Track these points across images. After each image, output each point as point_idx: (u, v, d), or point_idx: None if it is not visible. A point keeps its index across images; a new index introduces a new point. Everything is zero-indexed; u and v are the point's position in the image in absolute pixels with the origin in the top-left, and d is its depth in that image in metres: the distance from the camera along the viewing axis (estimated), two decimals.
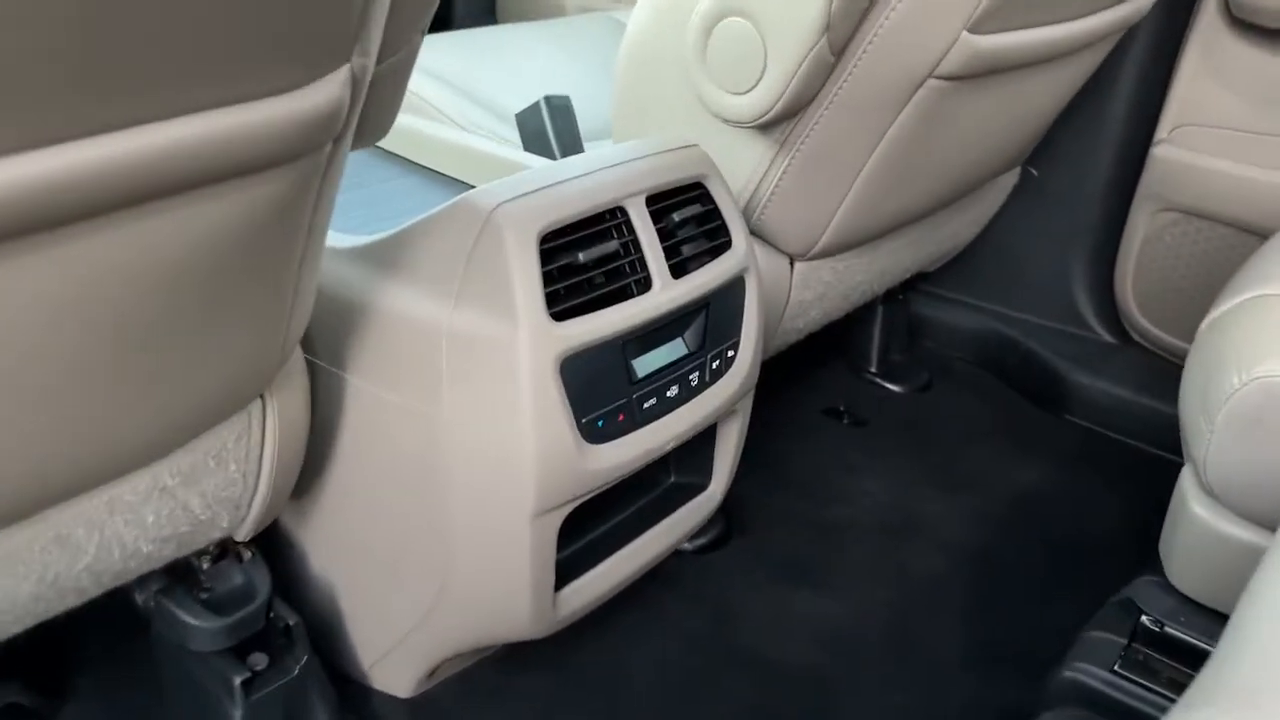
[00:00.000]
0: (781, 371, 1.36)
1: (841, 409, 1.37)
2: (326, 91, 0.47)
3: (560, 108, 1.04)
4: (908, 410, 1.39)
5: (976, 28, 0.81)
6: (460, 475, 0.71)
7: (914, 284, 1.50)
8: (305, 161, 0.49)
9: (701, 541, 1.09)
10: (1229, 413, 0.70)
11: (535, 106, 1.03)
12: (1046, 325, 1.43)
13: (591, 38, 1.44)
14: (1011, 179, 1.32)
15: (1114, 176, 1.34)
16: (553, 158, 1.00)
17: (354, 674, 0.88)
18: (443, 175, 1.00)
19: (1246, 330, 0.73)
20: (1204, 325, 0.80)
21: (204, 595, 0.78)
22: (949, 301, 1.50)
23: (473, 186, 0.74)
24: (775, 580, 1.06)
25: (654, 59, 0.90)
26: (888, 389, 1.43)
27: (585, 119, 1.07)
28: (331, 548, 0.84)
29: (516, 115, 1.04)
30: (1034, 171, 1.33)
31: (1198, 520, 0.75)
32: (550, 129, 1.02)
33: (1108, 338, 1.41)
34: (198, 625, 0.75)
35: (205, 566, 0.78)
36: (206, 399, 0.58)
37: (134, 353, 0.49)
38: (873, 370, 1.46)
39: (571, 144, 1.02)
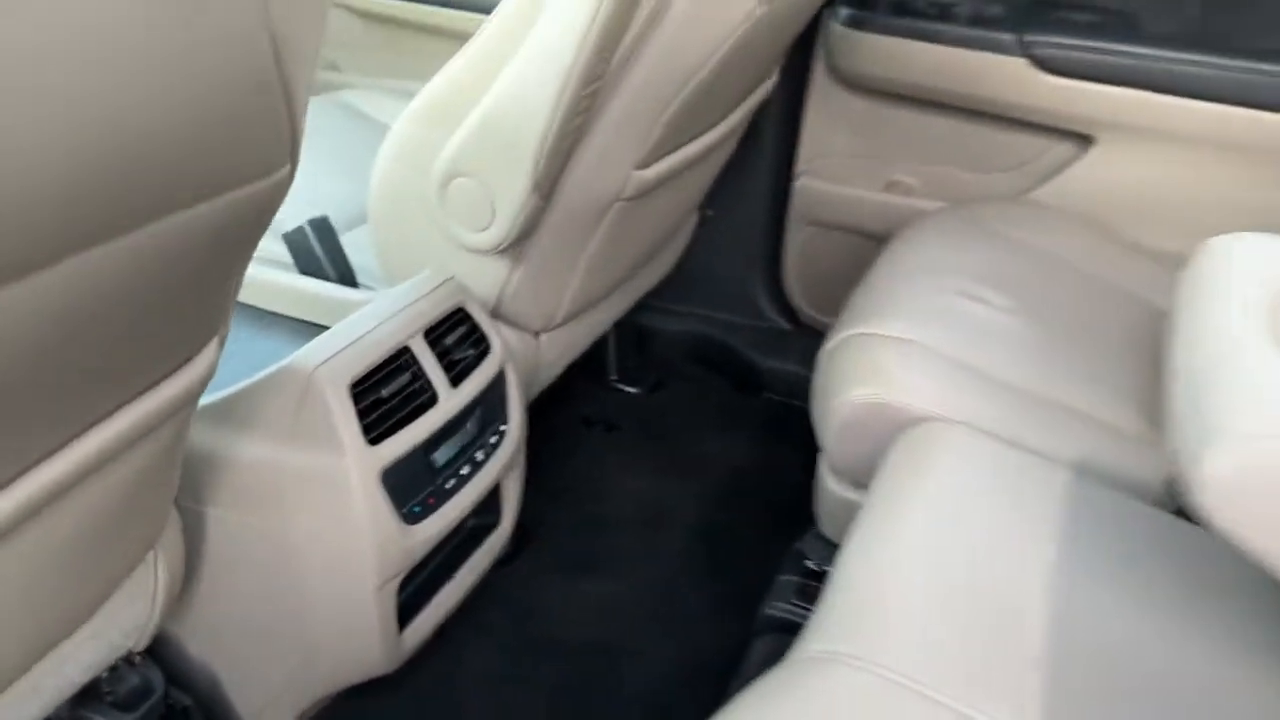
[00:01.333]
0: (543, 394, 1.63)
1: (594, 419, 1.67)
2: (202, 362, 0.68)
3: (323, 228, 1.24)
4: (645, 410, 1.72)
5: (642, 165, 1.11)
6: (312, 571, 0.93)
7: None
8: (180, 417, 0.70)
9: (499, 557, 1.36)
10: (837, 421, 1.06)
11: (301, 231, 1.23)
12: (738, 322, 1.80)
13: (326, 123, 1.61)
14: (693, 219, 1.65)
15: (771, 204, 1.71)
16: (327, 277, 1.21)
17: None
18: (243, 305, 1.18)
19: (846, 363, 1.09)
20: (821, 353, 1.16)
21: (109, 699, 0.95)
22: (665, 312, 1.83)
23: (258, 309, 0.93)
24: (563, 575, 1.36)
25: (403, 200, 1.12)
26: (627, 392, 1.75)
27: (337, 209, 1.27)
28: (206, 636, 1.03)
29: (284, 237, 1.23)
30: (709, 212, 1.67)
31: (830, 488, 1.11)
32: (320, 252, 1.22)
33: (785, 325, 1.80)
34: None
35: (105, 674, 0.95)
36: (130, 565, 0.78)
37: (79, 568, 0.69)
38: (613, 378, 1.77)
39: (340, 261, 1.23)
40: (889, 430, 1.00)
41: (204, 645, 1.04)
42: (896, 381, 1.03)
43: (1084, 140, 1.48)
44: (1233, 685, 0.72)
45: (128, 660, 0.96)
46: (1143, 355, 1.09)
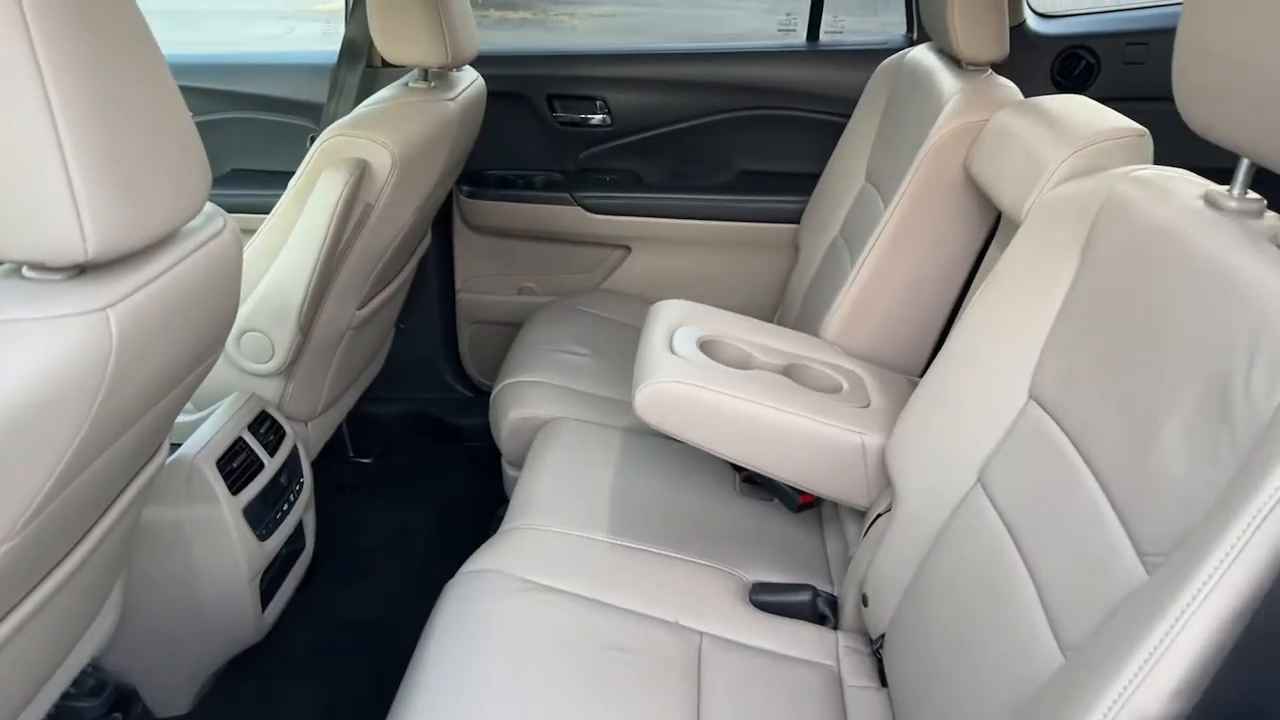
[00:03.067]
0: None
1: (344, 484, 2.33)
2: (160, 455, 1.32)
3: None
4: (379, 471, 2.40)
5: (360, 306, 1.84)
6: (207, 581, 1.54)
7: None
8: (146, 494, 1.33)
9: (307, 570, 1.98)
10: (505, 433, 1.84)
11: None
12: (436, 398, 2.53)
13: None
14: (392, 332, 2.38)
15: (443, 314, 2.48)
16: None
17: (155, 713, 1.63)
18: None
19: (505, 400, 1.88)
20: (492, 398, 1.94)
21: (74, 693, 1.49)
22: (383, 400, 2.50)
23: None
24: (351, 577, 2.00)
25: None
26: (363, 463, 2.43)
27: None
28: (126, 651, 1.58)
29: None
30: (402, 326, 2.41)
31: (509, 473, 1.88)
32: None
33: (468, 393, 2.56)
34: (89, 705, 1.48)
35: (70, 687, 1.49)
36: (105, 600, 1.37)
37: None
38: (351, 454, 2.43)
39: None
40: (533, 430, 1.80)
41: (124, 662, 1.59)
42: (532, 404, 1.85)
43: (626, 249, 2.41)
44: (693, 499, 1.59)
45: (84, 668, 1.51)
46: None
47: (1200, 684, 0.71)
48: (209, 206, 1.05)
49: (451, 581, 1.37)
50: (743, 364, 1.57)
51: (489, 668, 1.19)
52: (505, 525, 1.51)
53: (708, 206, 2.32)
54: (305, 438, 1.90)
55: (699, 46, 2.40)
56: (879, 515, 1.39)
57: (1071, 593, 0.93)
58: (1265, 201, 0.94)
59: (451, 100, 1.83)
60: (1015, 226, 1.31)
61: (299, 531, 1.81)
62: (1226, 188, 0.96)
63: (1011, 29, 1.76)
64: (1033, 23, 2.26)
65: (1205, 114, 0.92)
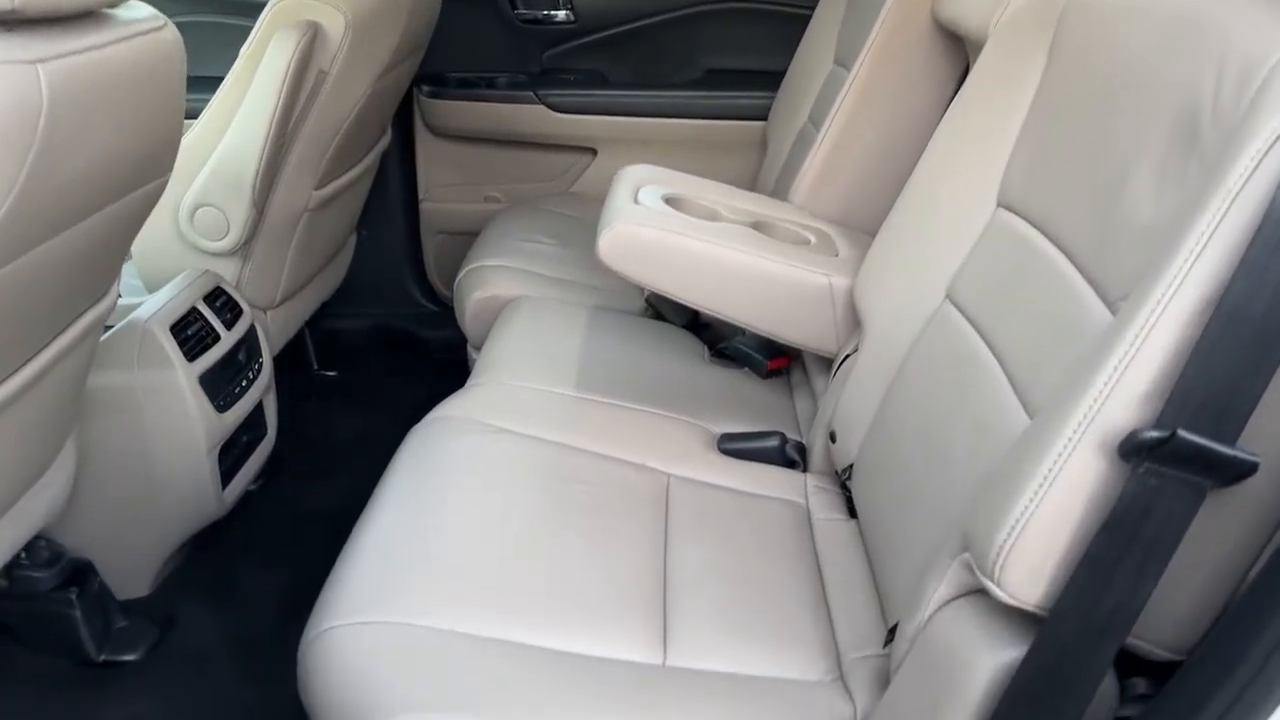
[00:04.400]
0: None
1: (310, 395, 2.28)
2: (110, 296, 1.27)
3: None
4: (345, 384, 2.36)
5: (319, 186, 1.80)
6: (161, 451, 1.50)
7: (321, 308, 2.43)
8: (95, 335, 1.28)
9: (267, 463, 1.94)
10: (470, 315, 1.81)
11: None
12: (401, 311, 2.49)
13: None
14: (353, 238, 2.33)
15: (407, 224, 2.44)
16: None
17: (115, 593, 1.58)
18: None
19: (470, 283, 1.85)
20: (456, 284, 1.90)
21: (28, 566, 1.44)
22: (347, 315, 2.46)
23: None
24: (316, 478, 1.96)
25: (161, 236, 1.71)
26: (329, 376, 2.38)
27: None
28: (82, 529, 1.53)
29: None
30: (364, 231, 2.36)
31: (471, 355, 1.85)
32: None
33: (433, 307, 2.52)
34: (44, 575, 1.43)
35: (22, 552, 1.44)
36: (59, 449, 1.32)
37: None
38: (316, 369, 2.39)
39: None
40: (497, 310, 1.77)
41: (80, 537, 1.54)
42: (496, 285, 1.81)
43: (592, 152, 2.38)
44: (661, 365, 1.57)
45: (37, 537, 1.46)
46: None
47: (1168, 385, 0.70)
48: (151, 9, 1.02)
49: (414, 428, 1.34)
50: (710, 219, 1.55)
51: (451, 496, 1.16)
52: (469, 383, 1.48)
53: (674, 104, 2.29)
54: (265, 326, 1.85)
55: None
56: (846, 357, 1.37)
57: (1037, 358, 0.92)
58: None
59: None
60: None
61: (260, 416, 1.77)
62: None
63: None
64: None
65: None
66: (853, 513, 1.29)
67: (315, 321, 2.39)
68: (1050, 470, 0.75)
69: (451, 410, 1.36)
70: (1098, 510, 0.73)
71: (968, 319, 1.10)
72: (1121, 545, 0.72)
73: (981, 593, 0.87)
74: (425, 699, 0.86)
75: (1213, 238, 0.68)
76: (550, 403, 1.41)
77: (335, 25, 1.61)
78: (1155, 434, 0.68)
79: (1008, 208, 1.11)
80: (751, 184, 2.22)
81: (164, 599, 1.63)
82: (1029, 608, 0.78)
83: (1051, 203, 1.01)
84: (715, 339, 1.72)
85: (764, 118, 2.22)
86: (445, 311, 2.51)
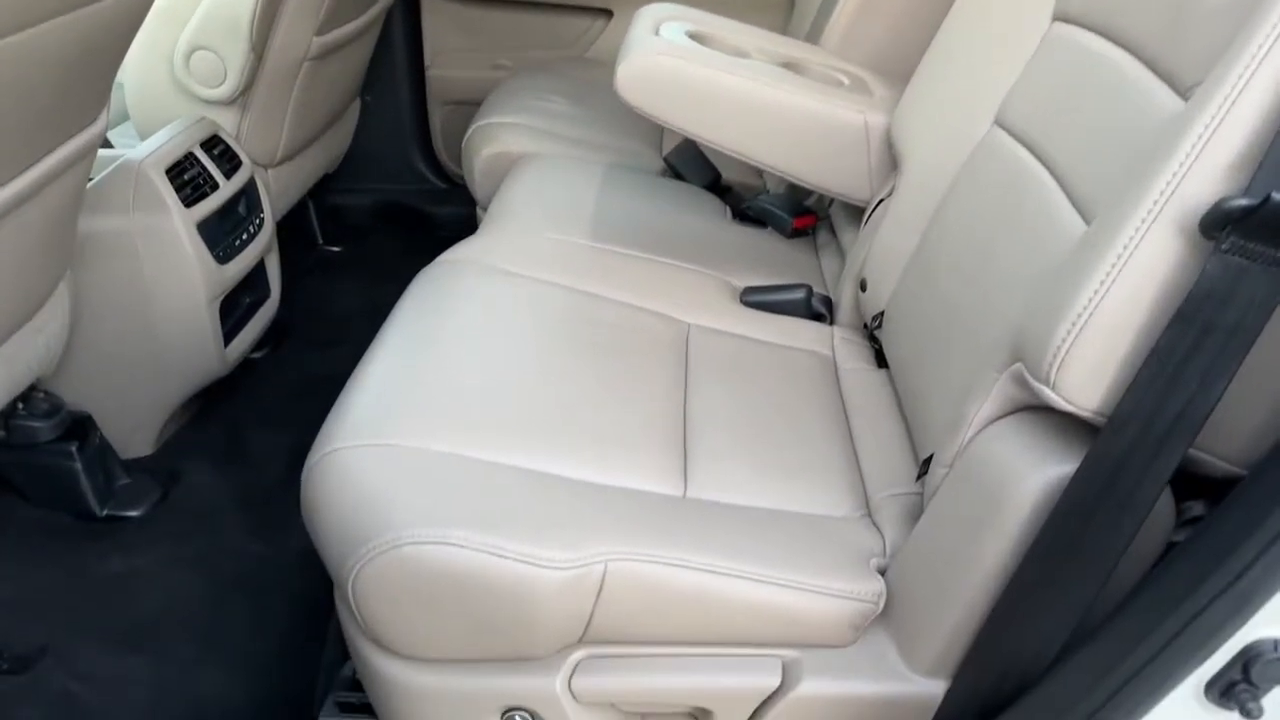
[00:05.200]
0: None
1: (314, 269, 2.22)
2: (99, 124, 1.19)
3: None
4: (349, 259, 2.29)
5: (320, 33, 1.70)
6: (158, 301, 1.44)
7: (325, 183, 2.36)
8: (84, 163, 1.21)
9: (268, 329, 1.89)
10: (479, 172, 1.73)
11: None
12: (408, 188, 2.41)
13: None
14: (356, 106, 2.24)
15: (413, 94, 2.33)
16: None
17: (118, 452, 1.55)
18: None
19: (480, 138, 1.76)
20: (465, 141, 1.82)
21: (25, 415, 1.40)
22: (351, 191, 2.38)
23: None
24: (318, 347, 1.91)
25: (155, 83, 1.63)
26: (333, 250, 2.31)
27: None
28: (79, 384, 1.48)
29: None
30: (368, 98, 2.27)
31: (479, 214, 1.78)
32: None
33: (441, 185, 2.43)
34: (42, 426, 1.39)
35: (20, 403, 1.40)
36: (52, 285, 1.26)
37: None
38: (321, 243, 2.32)
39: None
40: (508, 167, 1.69)
41: (79, 390, 1.50)
42: (507, 142, 1.73)
43: (607, 14, 2.26)
44: (681, 221, 1.49)
45: (34, 389, 1.42)
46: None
47: (1259, 152, 0.63)
48: None
49: (421, 271, 1.28)
50: (737, 55, 1.45)
51: (462, 332, 1.10)
52: (479, 232, 1.41)
53: None
54: (266, 184, 1.78)
55: None
56: (880, 201, 1.29)
57: (1098, 163, 0.84)
58: None
59: None
60: None
61: (262, 276, 1.71)
62: None
63: None
64: None
65: None
66: (880, 364, 1.23)
67: (319, 196, 2.31)
68: (1119, 258, 0.68)
69: (461, 254, 1.29)
70: (1170, 299, 0.67)
71: (1017, 138, 1.02)
72: (1195, 337, 0.65)
73: (1029, 410, 0.81)
74: (436, 514, 0.81)
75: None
76: (565, 250, 1.34)
77: None
78: (1245, 201, 0.61)
79: (1064, 19, 1.02)
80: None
81: (168, 458, 1.59)
82: (1087, 414, 0.72)
83: (1112, 3, 0.92)
84: (737, 201, 1.64)
85: None
86: (453, 188, 2.43)
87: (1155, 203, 0.66)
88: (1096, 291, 0.69)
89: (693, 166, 1.69)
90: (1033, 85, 1.04)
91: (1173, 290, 0.67)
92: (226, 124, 1.67)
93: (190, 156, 1.49)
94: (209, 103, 1.63)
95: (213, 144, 1.56)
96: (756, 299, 1.33)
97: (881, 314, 1.20)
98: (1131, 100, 0.83)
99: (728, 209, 1.62)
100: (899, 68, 1.54)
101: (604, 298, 1.24)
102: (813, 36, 1.70)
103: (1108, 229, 0.70)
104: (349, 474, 0.88)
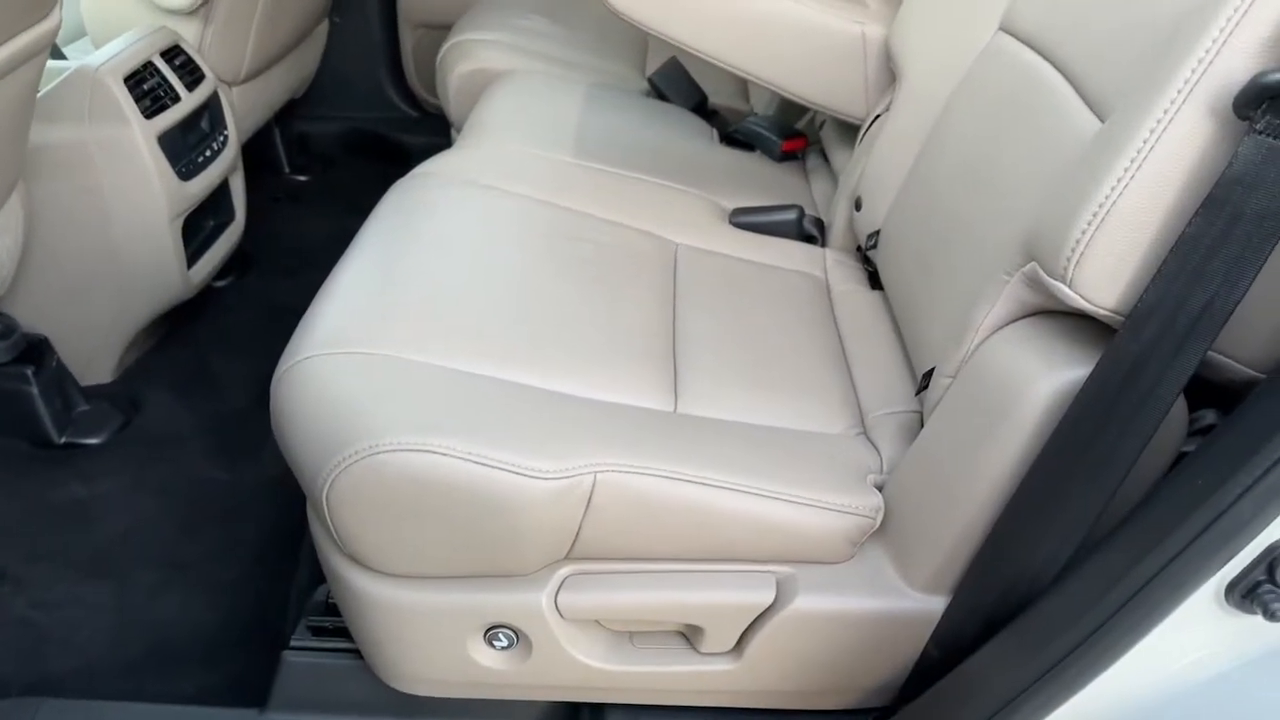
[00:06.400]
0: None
1: (279, 196, 2.14)
2: (53, 18, 1.11)
3: None
4: (317, 187, 2.21)
5: None
6: (118, 216, 1.37)
7: (291, 109, 2.26)
8: (38, 61, 1.13)
9: (234, 253, 1.82)
10: (454, 89, 1.66)
11: None
12: (378, 116, 2.32)
13: None
14: (324, 28, 2.14)
15: (383, 14, 2.24)
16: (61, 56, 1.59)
17: (77, 379, 1.48)
18: None
19: (455, 55, 1.69)
20: (439, 59, 1.74)
21: None
22: (319, 118, 2.29)
23: None
24: (284, 275, 1.84)
25: None
26: (300, 180, 2.23)
27: None
28: (36, 305, 1.41)
29: None
30: (336, 19, 2.17)
31: (453, 137, 1.72)
32: None
33: (413, 113, 2.35)
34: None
35: None
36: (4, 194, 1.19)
37: None
38: (287, 171, 2.23)
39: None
40: (483, 85, 1.62)
41: (35, 313, 1.43)
42: (484, 59, 1.66)
43: None
44: (667, 141, 1.43)
45: None
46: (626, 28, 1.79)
47: None
48: None
49: (395, 183, 1.22)
50: None
51: (440, 242, 1.04)
52: (455, 146, 1.35)
53: None
54: (230, 101, 1.70)
55: None
56: (876, 117, 1.25)
57: (1115, 60, 0.79)
58: None
59: None
60: None
61: (227, 198, 1.64)
62: None
63: None
64: None
65: None
66: (875, 286, 1.19)
67: (285, 123, 2.22)
68: (1145, 144, 0.64)
69: (437, 167, 1.23)
70: (1198, 186, 0.63)
71: (1028, 45, 0.97)
72: (1224, 225, 0.62)
73: (1040, 315, 0.78)
74: (417, 420, 0.77)
75: None
76: (546, 166, 1.28)
77: None
78: None
79: None
80: None
81: (129, 385, 1.53)
82: (1105, 312, 0.69)
83: None
84: (724, 125, 1.59)
85: None
86: (426, 117, 2.35)
87: (1187, 81, 0.62)
88: (1120, 180, 0.65)
89: (678, 88, 1.63)
90: None
91: (1201, 176, 0.63)
92: (188, 35, 1.58)
93: (150, 66, 1.41)
94: (169, 11, 1.54)
95: (173, 54, 1.48)
96: (746, 220, 1.28)
97: (877, 233, 1.16)
98: None
99: (714, 132, 1.57)
100: None
101: (588, 214, 1.19)
102: None
103: (1131, 117, 0.66)
104: (322, 381, 0.83)
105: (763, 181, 1.41)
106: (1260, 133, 0.59)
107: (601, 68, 1.70)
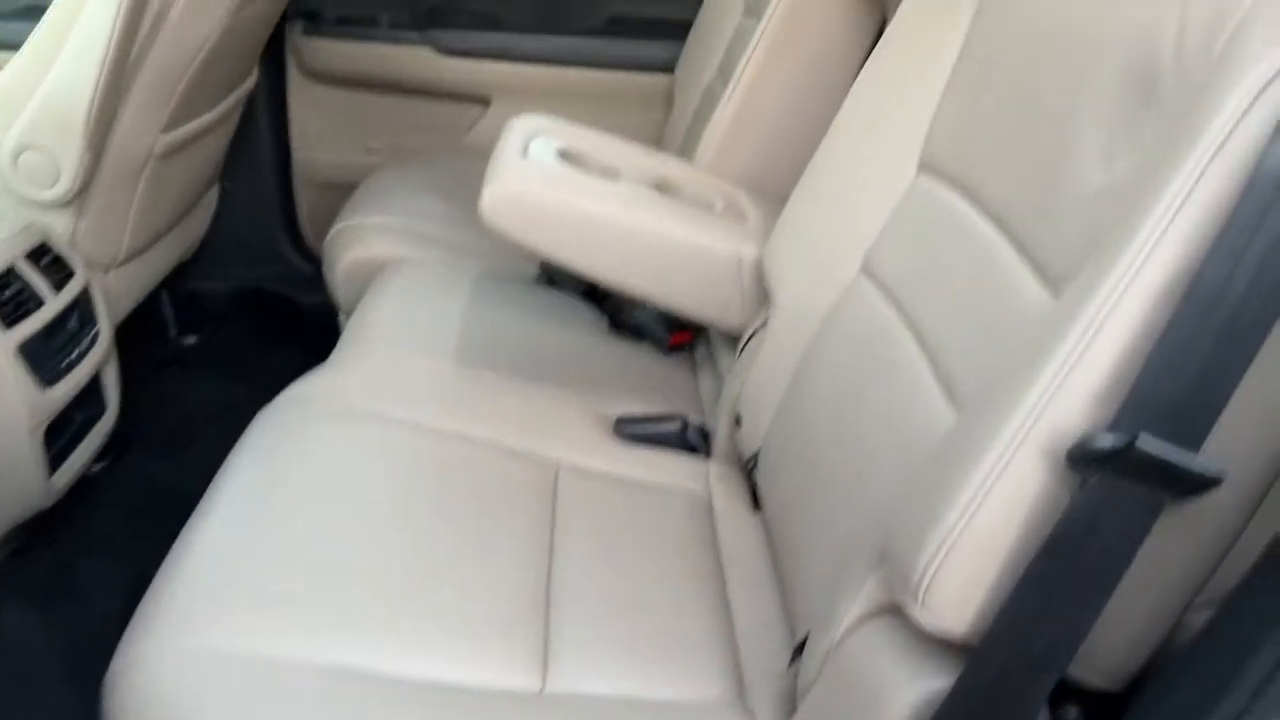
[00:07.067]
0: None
1: (165, 363, 2.06)
2: None
3: None
4: (206, 352, 2.14)
5: (166, 129, 1.58)
6: None
7: (180, 269, 2.20)
8: None
9: (108, 441, 1.73)
10: (341, 277, 1.63)
11: None
12: (273, 273, 2.27)
13: None
14: (215, 191, 2.11)
15: (278, 176, 2.22)
16: None
17: None
18: None
19: (342, 241, 1.66)
20: (326, 242, 1.72)
21: None
22: (212, 276, 2.22)
23: None
24: (161, 456, 1.77)
25: None
26: (188, 343, 2.16)
27: None
28: None
29: None
30: (227, 184, 2.14)
31: (341, 322, 1.68)
32: None
33: (309, 269, 2.31)
34: None
35: None
36: None
37: None
38: (174, 333, 2.17)
39: None
40: (372, 274, 1.60)
41: None
42: (372, 245, 1.64)
43: (485, 102, 2.20)
44: (555, 337, 1.43)
45: None
46: None
47: (1126, 382, 0.60)
48: None
49: (263, 409, 1.18)
50: (608, 177, 1.41)
51: (300, 492, 1.00)
52: (333, 357, 1.32)
53: (576, 51, 2.13)
54: (106, 288, 1.64)
55: None
56: (754, 333, 1.26)
57: (964, 342, 0.81)
58: None
59: None
60: None
61: (97, 391, 1.57)
62: None
63: None
64: None
65: None
66: (759, 504, 1.18)
67: (174, 283, 2.16)
68: (985, 481, 0.65)
69: (310, 388, 1.20)
70: (1038, 527, 0.64)
71: (886, 295, 0.99)
72: (1065, 567, 0.62)
73: (902, 611, 0.77)
74: None
75: (1181, 211, 0.58)
76: (426, 378, 1.26)
77: None
78: (1112, 441, 0.58)
79: (931, 171, 1.00)
80: (657, 140, 2.09)
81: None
82: (957, 637, 0.68)
83: (981, 166, 0.91)
84: (615, 310, 1.59)
85: (671, 69, 2.08)
86: (320, 274, 2.31)
87: (1021, 425, 0.63)
88: (963, 514, 0.65)
89: (568, 274, 1.63)
90: (899, 237, 1.02)
91: (1042, 517, 0.64)
92: (61, 225, 1.53)
93: (11, 271, 1.35)
94: (41, 204, 1.49)
95: (40, 253, 1.43)
96: (631, 430, 1.27)
97: (757, 454, 1.16)
98: (997, 281, 0.81)
99: (605, 318, 1.57)
100: (774, 186, 1.53)
101: (467, 436, 1.16)
102: (686, 149, 1.68)
103: (975, 441, 0.67)
104: (155, 686, 0.78)
105: (650, 381, 1.41)
106: (1093, 487, 0.60)
107: (495, 250, 1.70)
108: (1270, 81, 0.55)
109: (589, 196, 1.26)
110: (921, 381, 0.86)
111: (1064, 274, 0.72)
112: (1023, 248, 0.80)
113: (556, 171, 1.30)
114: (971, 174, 0.92)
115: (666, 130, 1.99)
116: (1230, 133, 0.56)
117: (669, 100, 2.06)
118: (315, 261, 2.32)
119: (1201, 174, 0.57)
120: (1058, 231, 0.75)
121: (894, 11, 1.23)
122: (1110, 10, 0.77)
